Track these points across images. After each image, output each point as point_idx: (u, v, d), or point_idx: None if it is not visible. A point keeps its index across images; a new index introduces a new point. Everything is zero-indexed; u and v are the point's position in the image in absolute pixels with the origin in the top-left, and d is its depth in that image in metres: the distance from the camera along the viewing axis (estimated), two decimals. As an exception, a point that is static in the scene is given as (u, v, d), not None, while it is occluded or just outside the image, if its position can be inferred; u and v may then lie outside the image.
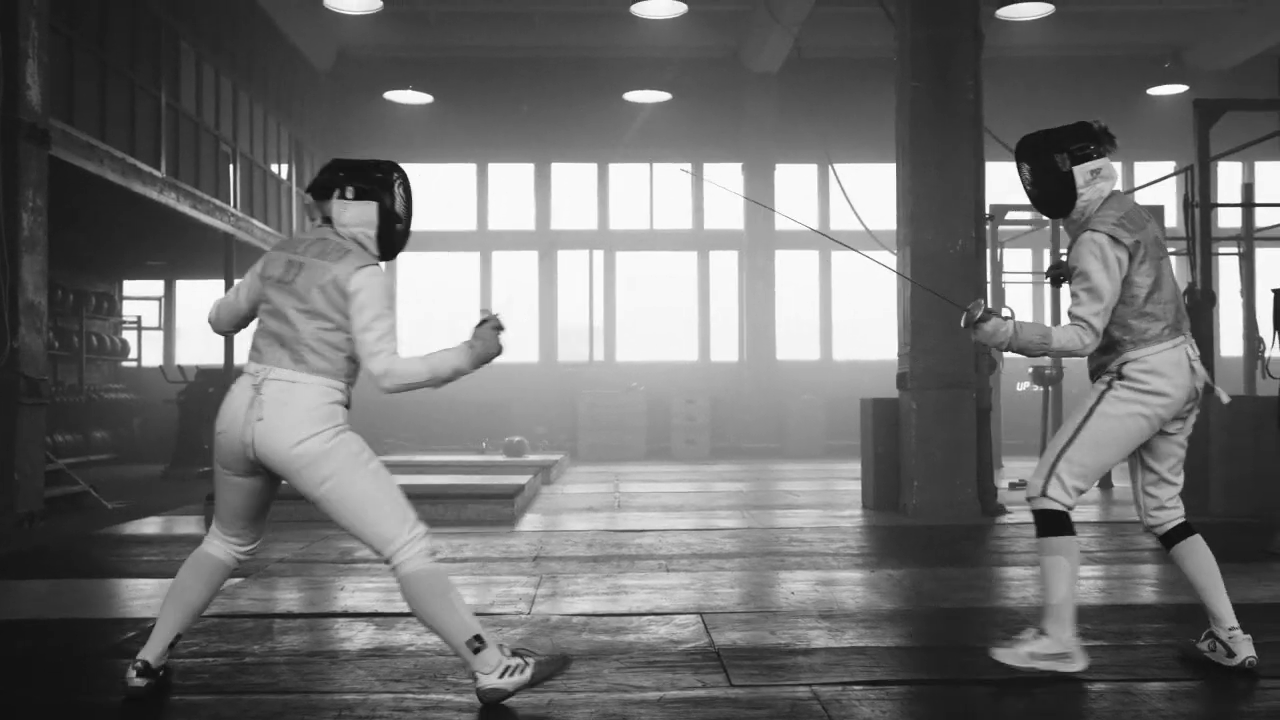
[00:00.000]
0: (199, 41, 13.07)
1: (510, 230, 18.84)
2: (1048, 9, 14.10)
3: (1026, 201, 16.31)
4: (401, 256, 16.54)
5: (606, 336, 18.80)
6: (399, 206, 3.65)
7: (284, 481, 3.61)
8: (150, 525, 8.40)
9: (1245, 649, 3.79)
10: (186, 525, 8.28)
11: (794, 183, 18.85)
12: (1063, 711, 3.41)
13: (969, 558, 6.65)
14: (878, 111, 13.29)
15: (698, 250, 18.95)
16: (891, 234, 9.45)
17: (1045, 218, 12.75)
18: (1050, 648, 3.74)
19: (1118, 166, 4.03)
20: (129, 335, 17.73)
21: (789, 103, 18.14)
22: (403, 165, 3.77)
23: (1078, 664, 3.75)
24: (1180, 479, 3.97)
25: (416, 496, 9.12)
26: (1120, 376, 3.81)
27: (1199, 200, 9.26)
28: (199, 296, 18.63)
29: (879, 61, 12.40)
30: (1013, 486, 10.69)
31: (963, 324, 3.85)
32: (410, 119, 18.27)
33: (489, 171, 18.91)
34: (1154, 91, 18.24)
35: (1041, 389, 11.63)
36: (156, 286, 18.55)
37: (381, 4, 13.94)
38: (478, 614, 4.86)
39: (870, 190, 15.41)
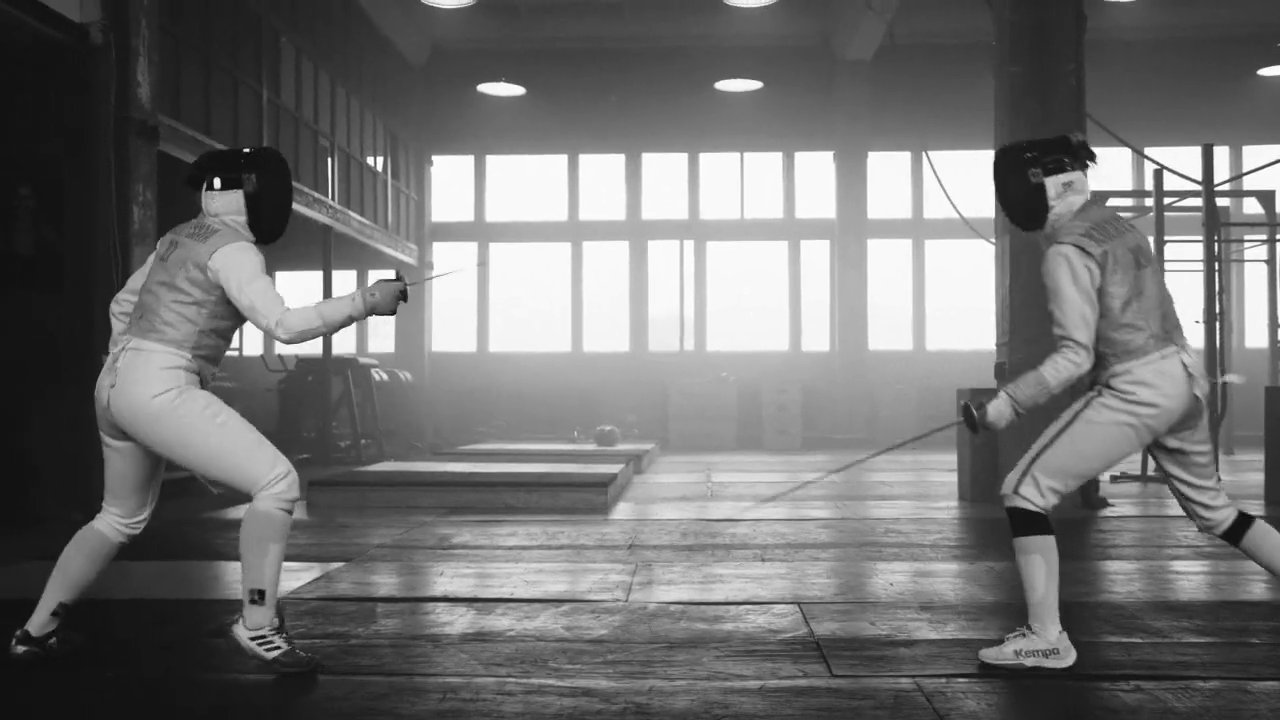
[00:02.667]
0: (298, 38, 13.34)
1: (601, 220, 18.91)
2: (1152, -11, 13.70)
3: (1129, 188, 16.00)
4: (494, 247, 16.68)
5: (697, 326, 18.79)
6: (265, 191, 3.79)
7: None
8: (254, 510, 8.61)
9: None
10: (288, 510, 8.47)
11: (887, 170, 18.63)
12: (1176, 708, 3.32)
13: (1071, 551, 6.48)
14: (974, 97, 13.06)
15: (788, 239, 18.83)
16: (988, 222, 9.29)
17: (1150, 205, 12.44)
18: (1035, 644, 3.74)
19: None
20: (231, 325, 18.17)
21: (882, 90, 17.90)
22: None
23: (1065, 660, 3.73)
24: (1213, 480, 3.87)
25: (512, 484, 9.21)
26: (1109, 386, 3.75)
27: (1314, 184, 8.93)
28: (297, 287, 19.05)
29: (975, 46, 12.18)
30: (1114, 480, 10.43)
31: (974, 432, 3.95)
32: (502, 111, 18.44)
33: (580, 162, 18.99)
34: (1264, 72, 17.62)
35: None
36: (257, 278, 18.97)
37: (474, -3, 14.10)
38: (573, 600, 4.92)
39: (966, 178, 15.15)
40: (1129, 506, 8.56)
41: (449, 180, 19.25)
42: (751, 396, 17.34)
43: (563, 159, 18.97)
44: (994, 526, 7.48)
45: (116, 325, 3.99)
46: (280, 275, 19.07)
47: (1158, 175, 12.00)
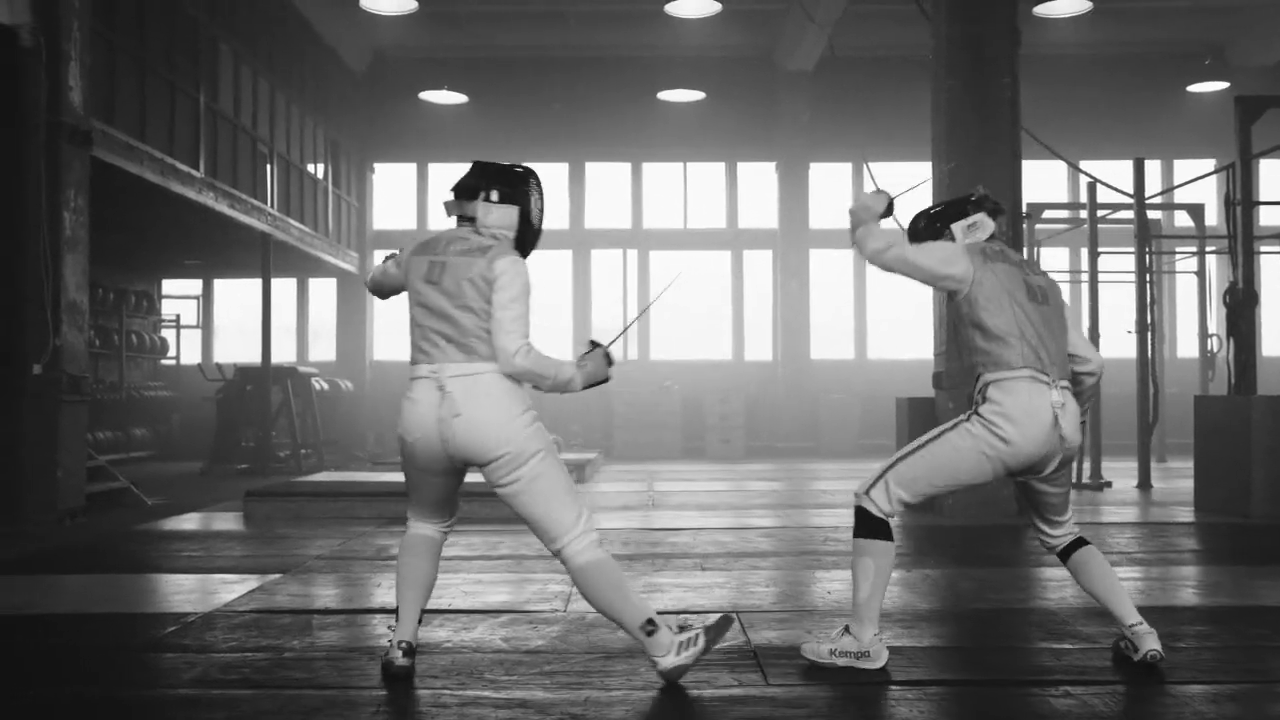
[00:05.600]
0: (237, 43, 13.19)
1: (544, 229, 18.83)
2: (1085, 6, 13.97)
3: (1063, 200, 16.26)
4: (437, 255, 16.19)
5: (640, 335, 18.81)
6: (536, 211, 3.88)
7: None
8: (189, 521, 8.49)
9: (1148, 643, 3.84)
10: (225, 521, 8.35)
11: (828, 181, 18.80)
12: (1101, 712, 3.37)
13: (1006, 558, 6.60)
14: (913, 110, 13.23)
15: (731, 249, 18.93)
16: (927, 232, 9.40)
17: (1084, 217, 12.68)
18: (851, 645, 3.86)
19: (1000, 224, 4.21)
20: (168, 333, 17.93)
21: (823, 101, 18.08)
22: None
23: (876, 663, 3.84)
24: (1065, 515, 4.07)
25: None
26: (977, 413, 3.87)
27: (1240, 198, 9.15)
28: (236, 295, 18.82)
29: (914, 60, 12.32)
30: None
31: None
32: (444, 119, 18.36)
33: (523, 171, 18.92)
34: (1194, 88, 18.02)
35: (1079, 389, 11.50)
36: (195, 285, 18.75)
37: (417, 5, 14.01)
38: (512, 611, 4.90)
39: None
40: (1063, 514, 8.69)
41: (391, 188, 19.12)
42: (695, 405, 17.40)
43: (506, 168, 18.89)
44: (930, 534, 7.57)
45: None
46: (218, 283, 18.85)
47: (1091, 188, 12.23)
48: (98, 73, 9.32)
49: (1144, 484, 10.74)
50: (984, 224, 4.08)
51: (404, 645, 3.76)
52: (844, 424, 17.27)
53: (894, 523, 3.98)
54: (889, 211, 4.00)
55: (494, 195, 3.82)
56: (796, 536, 7.46)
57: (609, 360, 3.87)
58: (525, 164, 3.97)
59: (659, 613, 3.59)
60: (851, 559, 3.94)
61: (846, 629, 3.89)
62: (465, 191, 3.86)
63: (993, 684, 3.76)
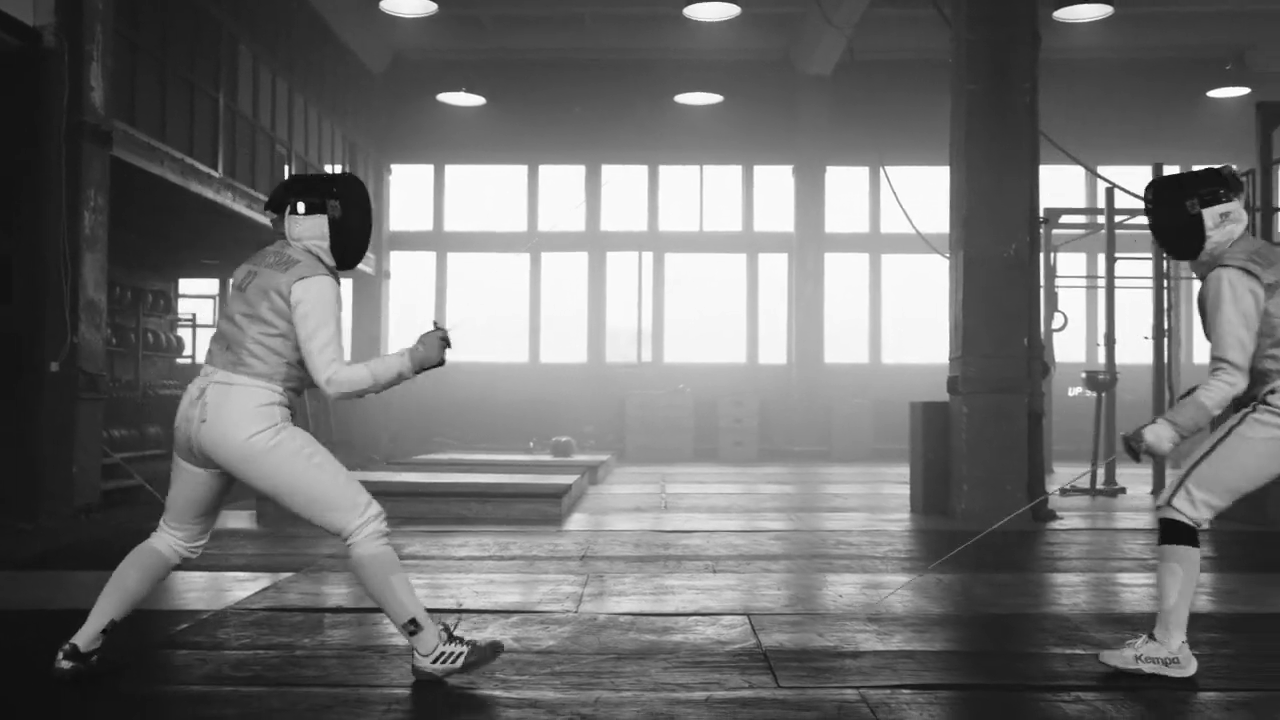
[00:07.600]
0: (256, 44, 13.25)
1: (560, 231, 18.90)
2: (1106, 10, 13.91)
3: (1081, 205, 16.15)
4: (452, 256, 16.58)
5: (655, 338, 18.81)
6: (349, 217, 3.77)
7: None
8: (204, 519, 8.52)
9: None
10: (237, 520, 8.38)
11: (845, 185, 18.77)
12: (1114, 718, 3.37)
13: (1019, 563, 6.58)
14: (931, 114, 13.19)
15: (747, 252, 18.91)
16: (944, 237, 9.39)
17: (1102, 222, 12.64)
18: (1157, 652, 3.80)
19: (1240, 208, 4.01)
20: (184, 333, 17.99)
21: (841, 105, 18.04)
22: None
23: (1185, 670, 3.79)
24: None
25: (464, 495, 9.14)
26: (1265, 402, 3.77)
27: (1260, 205, 9.11)
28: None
29: (933, 64, 12.30)
30: (1063, 492, 10.56)
31: (1135, 460, 4.01)
32: (463, 120, 18.40)
33: (539, 173, 18.99)
34: (1215, 94, 17.94)
35: (1095, 394, 11.49)
36: (211, 285, 18.82)
37: (436, 7, 14.05)
38: (523, 611, 4.91)
39: (923, 193, 15.30)
40: (1078, 519, 8.67)
41: (408, 189, 19.17)
42: (708, 408, 17.39)
43: (522, 169, 18.96)
44: (944, 539, 7.54)
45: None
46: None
47: (1109, 193, 12.20)
48: (119, 73, 9.37)
49: (1159, 490, 10.69)
50: (1238, 215, 3.91)
51: (69, 648, 3.67)
52: (857, 428, 17.23)
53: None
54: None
55: (300, 207, 3.73)
56: (808, 540, 7.45)
57: (446, 343, 3.78)
58: (341, 173, 3.91)
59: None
60: (1157, 566, 3.86)
61: (1151, 635, 3.83)
62: (275, 206, 3.79)
63: (1005, 689, 3.75)
